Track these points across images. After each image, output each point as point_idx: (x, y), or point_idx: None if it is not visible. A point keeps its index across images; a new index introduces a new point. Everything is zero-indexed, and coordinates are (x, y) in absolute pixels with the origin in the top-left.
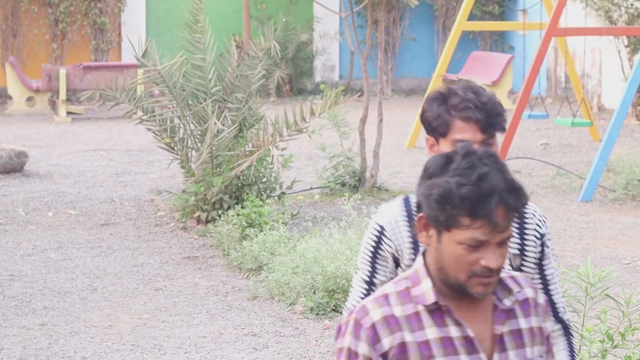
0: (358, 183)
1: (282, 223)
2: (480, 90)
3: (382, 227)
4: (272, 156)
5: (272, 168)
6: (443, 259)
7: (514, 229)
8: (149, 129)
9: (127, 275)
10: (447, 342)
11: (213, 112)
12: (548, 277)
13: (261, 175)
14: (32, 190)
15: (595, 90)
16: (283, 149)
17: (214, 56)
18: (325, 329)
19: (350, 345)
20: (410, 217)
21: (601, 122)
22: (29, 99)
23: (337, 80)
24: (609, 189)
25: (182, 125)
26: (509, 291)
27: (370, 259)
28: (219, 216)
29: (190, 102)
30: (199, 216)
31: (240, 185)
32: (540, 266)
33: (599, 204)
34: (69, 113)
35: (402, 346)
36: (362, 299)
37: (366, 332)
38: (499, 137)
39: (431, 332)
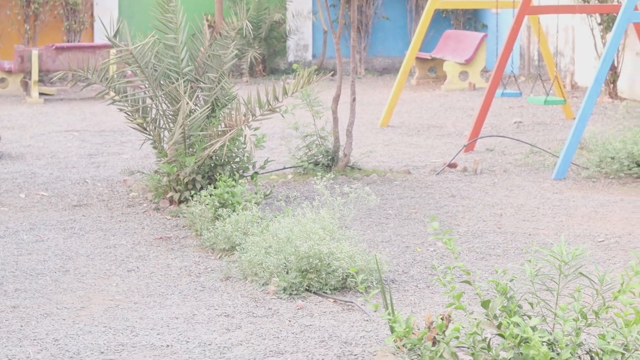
0: (331, 162)
1: (255, 203)
2: None
3: None
4: (245, 136)
5: (245, 148)
6: None
7: None
8: (121, 110)
9: (100, 256)
10: None
11: (185, 92)
12: None
13: (234, 155)
14: (4, 171)
15: (568, 68)
16: (256, 129)
17: (186, 36)
18: (298, 309)
19: None
20: None
21: (574, 99)
22: (1, 80)
23: (310, 59)
24: (582, 167)
25: (154, 106)
26: None
27: None
28: (192, 196)
29: (162, 82)
30: (171, 197)
31: (212, 165)
32: None
33: (572, 182)
34: (41, 94)
35: None
36: None
37: None
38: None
39: None
